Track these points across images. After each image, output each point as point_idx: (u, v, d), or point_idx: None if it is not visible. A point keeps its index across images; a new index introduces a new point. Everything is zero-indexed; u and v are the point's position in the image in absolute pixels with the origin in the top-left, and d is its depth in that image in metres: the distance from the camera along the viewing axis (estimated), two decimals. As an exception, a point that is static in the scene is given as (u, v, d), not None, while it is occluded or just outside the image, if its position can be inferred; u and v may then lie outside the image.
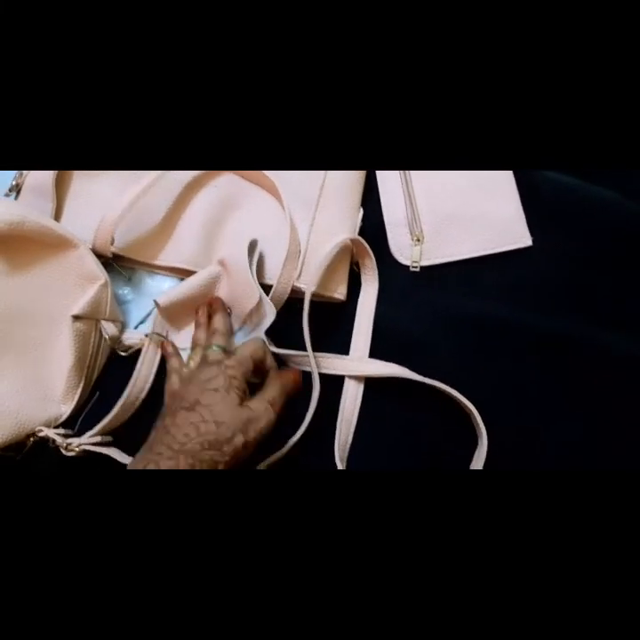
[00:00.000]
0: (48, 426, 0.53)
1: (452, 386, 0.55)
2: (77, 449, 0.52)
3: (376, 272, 0.60)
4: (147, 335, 0.57)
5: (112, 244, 0.58)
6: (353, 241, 0.59)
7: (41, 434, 0.52)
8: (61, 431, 0.53)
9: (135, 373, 0.55)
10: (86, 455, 0.52)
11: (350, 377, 0.58)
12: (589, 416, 0.57)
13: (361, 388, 0.58)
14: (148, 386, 0.56)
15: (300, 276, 0.58)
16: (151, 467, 0.44)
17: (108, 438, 0.53)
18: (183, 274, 0.60)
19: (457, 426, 0.56)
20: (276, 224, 0.60)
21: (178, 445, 0.45)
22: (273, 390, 0.50)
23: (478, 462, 0.53)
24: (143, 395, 0.56)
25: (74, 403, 0.54)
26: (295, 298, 0.58)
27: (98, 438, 0.52)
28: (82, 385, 0.55)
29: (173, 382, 0.53)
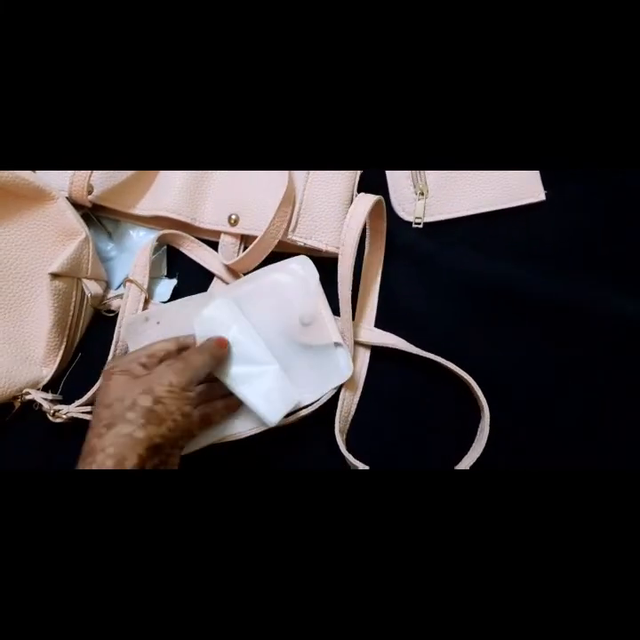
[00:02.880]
0: (30, 388, 0.54)
1: (454, 350, 0.56)
2: (65, 416, 0.53)
3: (384, 236, 0.60)
4: (126, 279, 0.56)
5: (90, 192, 0.57)
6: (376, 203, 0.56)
7: (28, 397, 0.53)
8: (49, 396, 0.54)
9: (116, 332, 0.55)
10: (73, 422, 0.53)
11: (357, 345, 0.59)
12: (601, 385, 0.58)
13: (367, 357, 0.59)
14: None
15: (295, 227, 0.58)
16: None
17: None
18: (168, 225, 0.59)
19: (461, 396, 0.57)
20: (267, 172, 0.59)
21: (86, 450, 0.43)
22: (186, 355, 0.49)
23: (482, 435, 0.55)
24: None
25: (55, 365, 0.55)
26: (282, 252, 0.58)
27: (88, 408, 0.53)
28: (63, 346, 0.55)
29: None
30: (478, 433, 0.56)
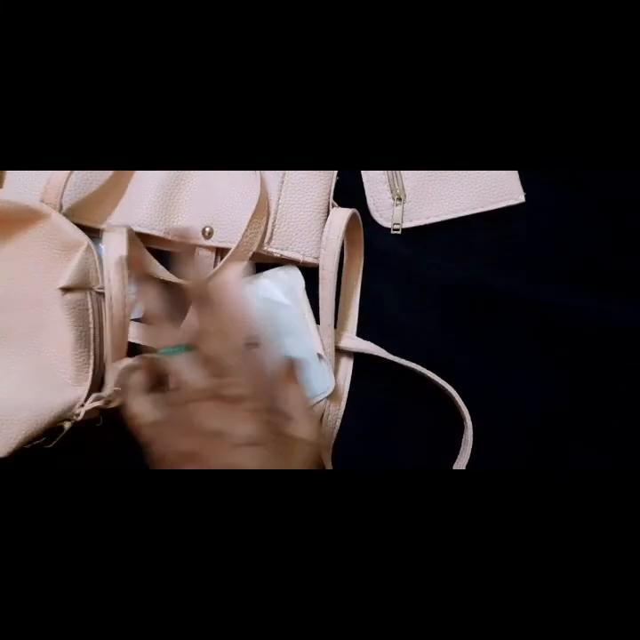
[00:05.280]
0: (67, 412, 0.54)
1: (436, 359, 0.58)
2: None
3: (362, 246, 0.61)
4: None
5: (61, 209, 0.58)
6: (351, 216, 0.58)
7: (78, 417, 0.53)
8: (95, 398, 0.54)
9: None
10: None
11: (339, 355, 0.60)
12: (583, 393, 0.59)
13: (350, 366, 0.60)
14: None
15: (271, 239, 0.59)
16: None
17: None
18: (141, 238, 0.60)
19: (443, 404, 0.59)
20: (240, 182, 0.60)
21: None
22: (297, 396, 0.44)
23: (466, 447, 0.57)
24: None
25: (88, 382, 0.55)
26: (260, 263, 0.60)
27: None
28: (92, 361, 0.56)
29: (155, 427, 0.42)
30: (462, 445, 0.58)
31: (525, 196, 0.62)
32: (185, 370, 0.42)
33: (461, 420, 0.58)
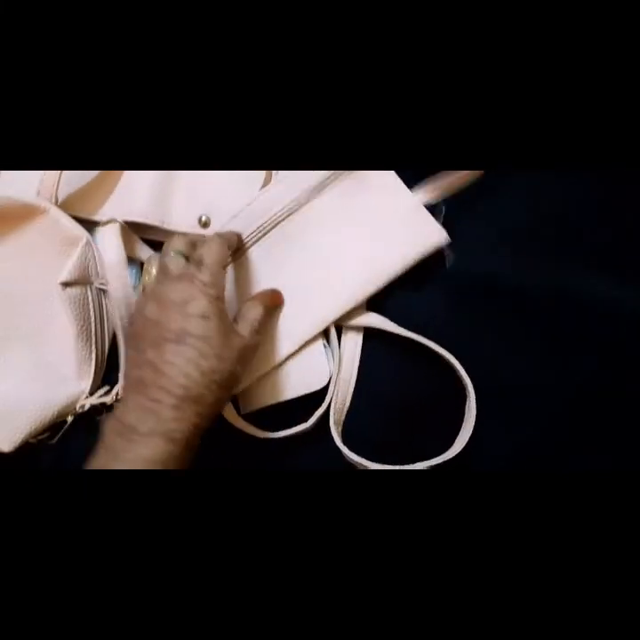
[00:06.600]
0: (71, 406, 0.56)
1: (446, 345, 0.59)
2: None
3: None
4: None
5: (57, 202, 0.57)
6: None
7: (83, 409, 0.56)
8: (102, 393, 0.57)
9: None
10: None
11: (348, 329, 0.60)
12: (583, 377, 0.61)
13: (359, 341, 0.61)
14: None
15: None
16: (150, 419, 0.43)
17: None
18: (134, 228, 0.60)
19: (447, 379, 0.60)
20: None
21: (181, 390, 0.44)
22: (255, 311, 0.51)
23: (470, 414, 0.59)
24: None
25: (91, 376, 0.57)
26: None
27: None
28: (93, 356, 0.57)
29: (138, 302, 0.53)
30: (466, 413, 0.59)
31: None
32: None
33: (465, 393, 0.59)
